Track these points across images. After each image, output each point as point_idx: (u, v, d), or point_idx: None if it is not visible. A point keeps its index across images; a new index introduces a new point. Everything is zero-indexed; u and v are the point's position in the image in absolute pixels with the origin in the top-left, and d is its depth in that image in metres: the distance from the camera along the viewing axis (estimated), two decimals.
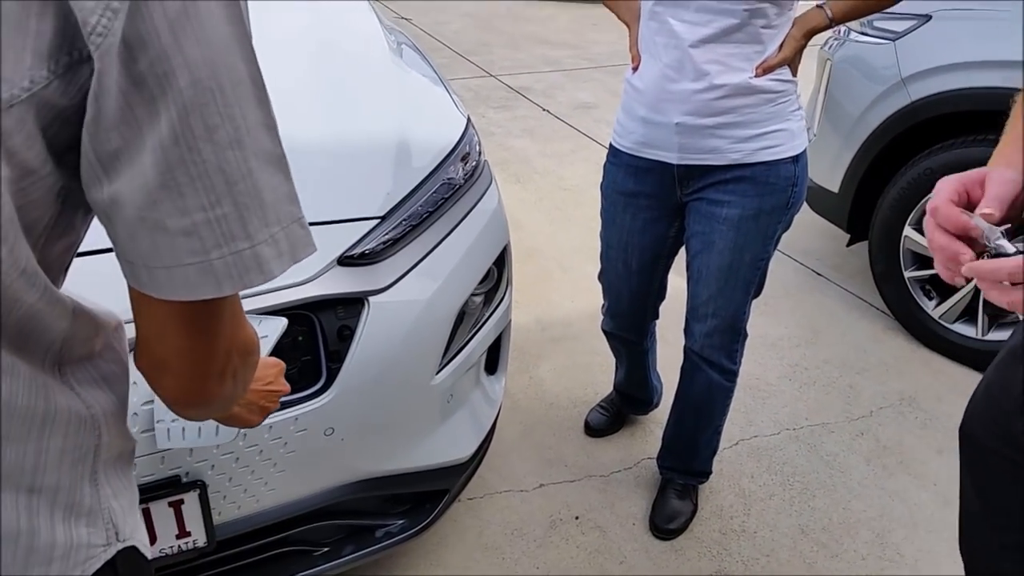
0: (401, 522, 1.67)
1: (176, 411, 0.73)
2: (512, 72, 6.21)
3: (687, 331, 1.95)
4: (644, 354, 2.23)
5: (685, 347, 1.97)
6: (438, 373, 1.56)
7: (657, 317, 2.14)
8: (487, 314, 1.75)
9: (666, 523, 2.06)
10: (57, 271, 0.67)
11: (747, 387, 2.62)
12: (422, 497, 1.70)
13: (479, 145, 1.83)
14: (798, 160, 1.74)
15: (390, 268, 1.47)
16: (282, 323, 1.33)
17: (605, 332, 2.21)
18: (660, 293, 2.07)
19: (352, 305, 1.41)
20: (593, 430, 2.39)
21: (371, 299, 1.43)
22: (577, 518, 2.10)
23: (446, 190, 1.62)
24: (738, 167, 1.72)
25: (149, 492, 1.30)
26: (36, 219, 0.60)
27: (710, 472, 2.14)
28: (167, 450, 1.29)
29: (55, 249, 0.64)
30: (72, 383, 0.68)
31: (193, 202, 0.58)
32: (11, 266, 0.58)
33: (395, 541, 1.64)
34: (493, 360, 1.90)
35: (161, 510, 1.32)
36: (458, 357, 1.62)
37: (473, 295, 1.71)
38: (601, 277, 2.10)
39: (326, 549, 1.60)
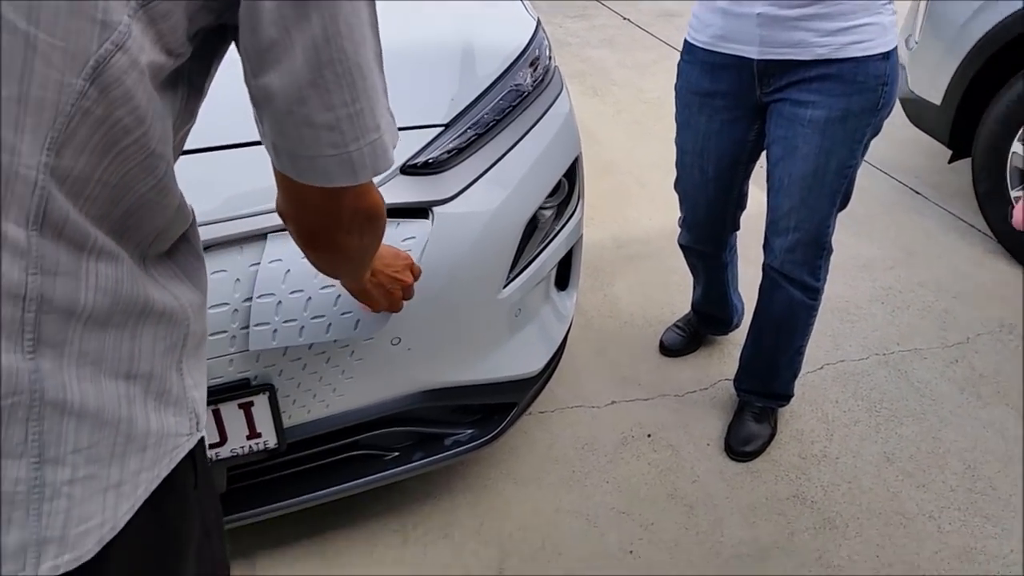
0: (470, 432, 1.68)
1: (309, 255, 0.83)
2: None
3: (766, 246, 1.85)
4: (723, 269, 2.14)
5: (764, 264, 1.88)
6: (505, 287, 1.53)
7: (737, 228, 2.05)
8: (557, 228, 1.70)
9: (742, 445, 2.01)
10: (175, 157, 0.72)
11: (836, 309, 2.50)
12: (491, 409, 1.71)
13: (549, 49, 1.74)
14: (889, 57, 1.60)
15: (455, 178, 1.43)
16: (427, 226, 1.34)
17: (681, 246, 2.13)
18: (740, 202, 1.96)
19: (416, 215, 1.39)
20: (668, 350, 2.34)
21: (435, 209, 1.40)
22: (649, 436, 2.07)
23: (514, 97, 1.56)
24: (824, 63, 1.59)
25: (219, 394, 1.33)
26: (171, 103, 0.65)
27: (790, 395, 2.07)
28: (245, 352, 1.31)
29: (178, 137, 0.70)
30: (155, 276, 0.70)
31: (337, 98, 0.65)
32: (140, 148, 0.62)
33: (463, 450, 1.66)
34: (564, 275, 1.86)
35: (231, 411, 1.36)
36: (527, 271, 1.59)
37: (542, 208, 1.66)
38: (677, 186, 2.01)
39: (396, 454, 1.63)
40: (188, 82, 0.68)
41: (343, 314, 1.33)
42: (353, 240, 0.81)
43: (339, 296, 1.31)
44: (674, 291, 2.59)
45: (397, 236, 1.35)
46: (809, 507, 1.88)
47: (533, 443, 2.04)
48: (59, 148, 0.58)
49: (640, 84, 4.14)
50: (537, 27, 1.73)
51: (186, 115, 0.70)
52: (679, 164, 1.95)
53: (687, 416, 2.14)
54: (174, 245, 0.74)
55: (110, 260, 0.63)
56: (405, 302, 1.26)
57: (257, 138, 1.39)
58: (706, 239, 2.04)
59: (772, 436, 2.05)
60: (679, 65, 1.83)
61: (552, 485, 1.93)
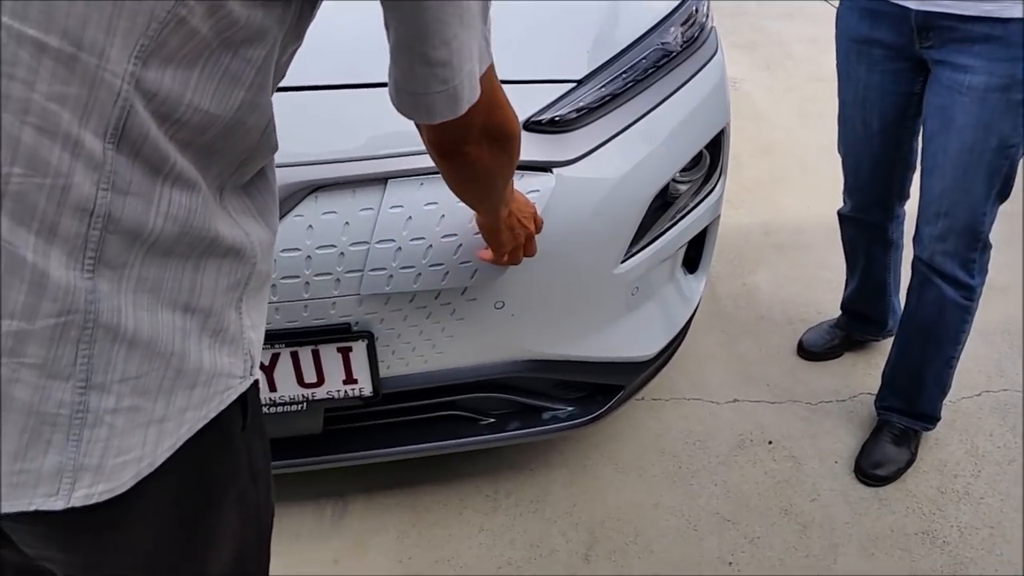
0: (570, 409, 1.60)
1: (441, 165, 0.84)
2: None
3: (916, 238, 1.66)
4: (886, 249, 1.94)
5: (913, 258, 1.69)
6: (624, 261, 1.43)
7: (907, 197, 1.85)
8: (692, 204, 1.57)
9: (874, 468, 1.82)
10: (278, 79, 0.71)
11: (1006, 331, 2.21)
12: (595, 388, 1.62)
13: (708, 8, 1.59)
14: None
15: (582, 139, 1.34)
16: (551, 179, 1.29)
17: (842, 217, 1.96)
18: (908, 160, 1.77)
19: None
20: (807, 352, 2.15)
21: (556, 171, 1.31)
22: (770, 443, 1.91)
23: (659, 56, 1.43)
24: (989, 22, 1.41)
25: (319, 335, 1.33)
26: (279, 17, 0.62)
27: (937, 417, 1.84)
28: (348, 296, 1.30)
29: (284, 56, 0.68)
30: (229, 210, 0.67)
31: (451, 31, 0.64)
32: (227, 51, 0.59)
33: (561, 427, 1.59)
34: (695, 257, 1.73)
35: (330, 354, 1.35)
36: (650, 247, 1.48)
37: (677, 181, 1.54)
38: (840, 146, 1.84)
39: (492, 421, 1.59)
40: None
41: (462, 263, 1.29)
42: (483, 154, 0.80)
43: (460, 246, 1.28)
44: (823, 289, 2.38)
45: (522, 188, 1.28)
46: (940, 548, 1.67)
47: (641, 430, 1.94)
48: (147, 57, 0.55)
49: (819, 60, 3.80)
50: None
51: (295, 32, 0.67)
52: (841, 118, 1.80)
53: (816, 427, 1.95)
54: (251, 180, 0.71)
55: (186, 188, 0.61)
56: (524, 258, 1.24)
57: (382, 80, 1.37)
58: (871, 204, 1.85)
59: (910, 463, 1.83)
60: (838, 10, 1.70)
61: (655, 478, 1.83)
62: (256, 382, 0.74)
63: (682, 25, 1.47)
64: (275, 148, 0.72)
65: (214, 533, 0.73)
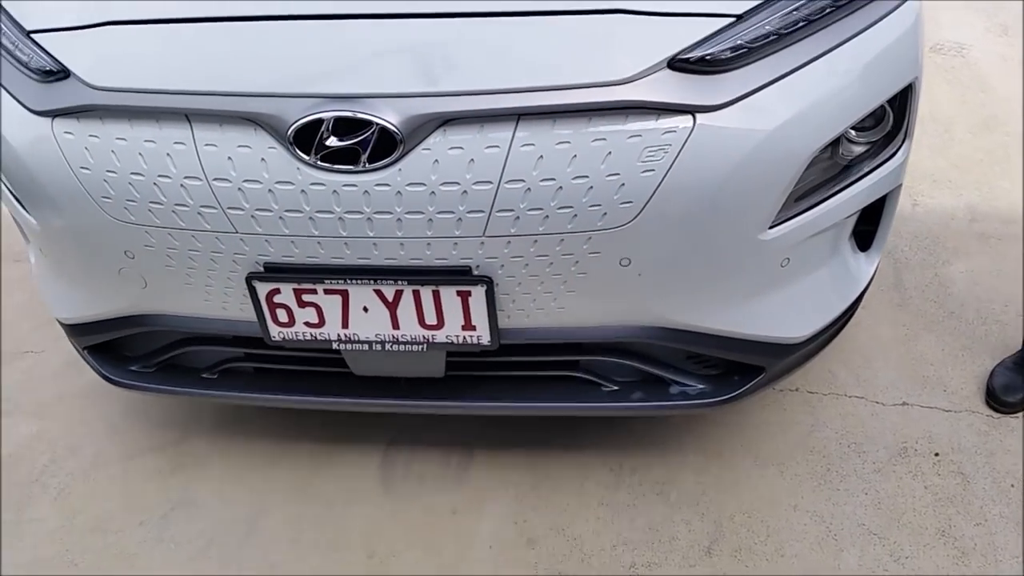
0: (701, 387, 1.48)
1: None
2: None
3: None
4: None
5: None
6: (773, 227, 1.28)
7: None
8: (866, 168, 1.38)
9: None
10: None
11: None
12: (733, 368, 1.48)
13: None
14: None
15: (733, 82, 1.19)
16: (689, 124, 1.17)
17: None
18: None
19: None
20: (1000, 401, 1.79)
21: (699, 116, 1.18)
22: (937, 455, 1.67)
23: None
24: None
25: (440, 275, 1.29)
26: None
27: None
28: (470, 237, 1.25)
29: None
30: None
31: None
32: None
33: (689, 405, 1.47)
34: (869, 232, 1.53)
35: (450, 297, 1.32)
36: (809, 213, 1.31)
37: (852, 140, 1.36)
38: None
39: (616, 388, 1.49)
40: None
41: (591, 206, 1.21)
42: None
43: (591, 188, 1.19)
44: None
45: (655, 130, 1.17)
46: None
47: (790, 423, 1.76)
48: None
49: None
50: None
51: None
52: None
53: (995, 444, 1.68)
54: None
55: None
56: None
57: (518, 8, 1.28)
58: None
59: None
60: None
61: (798, 477, 1.65)
62: None
63: None
64: None
65: None
